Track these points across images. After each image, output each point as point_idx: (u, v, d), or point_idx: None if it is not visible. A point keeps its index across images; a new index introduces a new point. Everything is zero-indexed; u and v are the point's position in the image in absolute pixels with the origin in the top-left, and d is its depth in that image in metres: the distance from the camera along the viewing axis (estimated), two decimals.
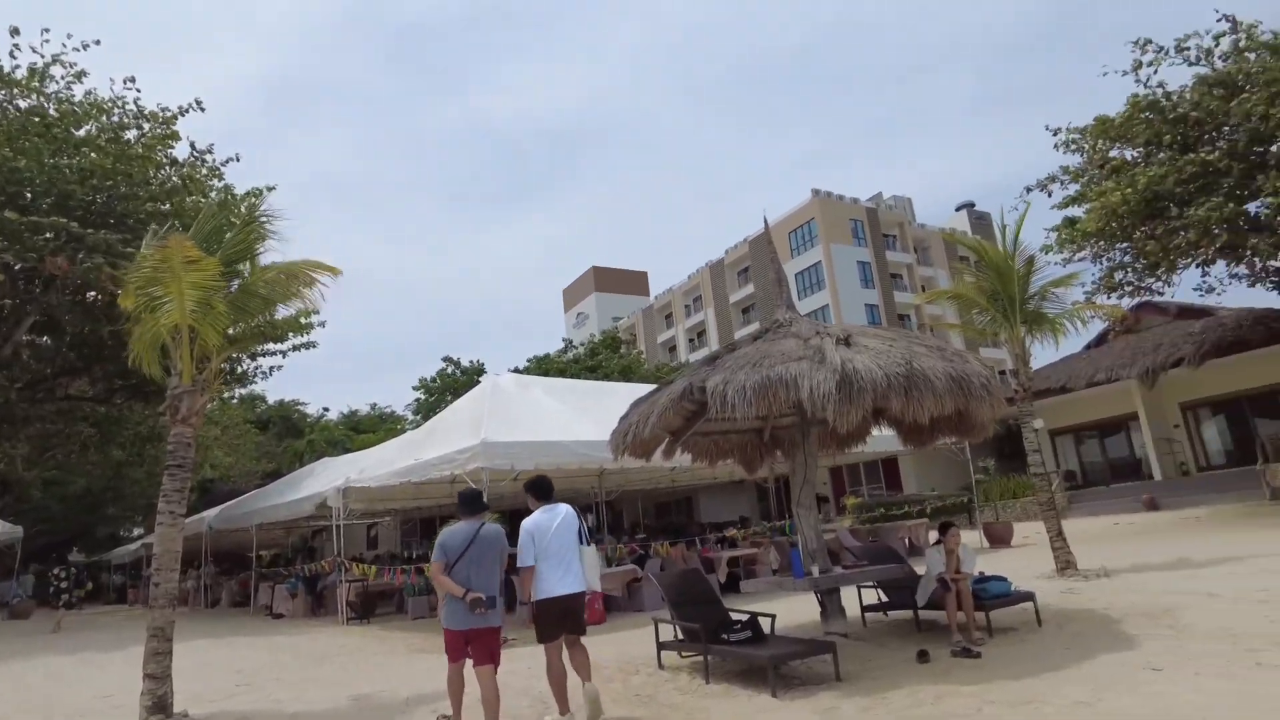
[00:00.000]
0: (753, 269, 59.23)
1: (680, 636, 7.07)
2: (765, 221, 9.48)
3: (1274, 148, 15.53)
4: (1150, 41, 17.60)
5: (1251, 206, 15.92)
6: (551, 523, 5.35)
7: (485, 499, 5.71)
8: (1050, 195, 19.77)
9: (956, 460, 18.79)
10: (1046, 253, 19.45)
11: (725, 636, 6.54)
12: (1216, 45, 17.04)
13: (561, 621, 5.29)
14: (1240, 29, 16.72)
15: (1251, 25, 16.64)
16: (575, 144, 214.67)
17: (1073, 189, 19.19)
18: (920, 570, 7.55)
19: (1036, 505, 12.31)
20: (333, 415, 45.94)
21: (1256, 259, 17.54)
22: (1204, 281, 19.73)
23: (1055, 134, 19.19)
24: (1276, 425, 21.53)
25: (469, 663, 5.13)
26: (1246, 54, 16.44)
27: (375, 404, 47.94)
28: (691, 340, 65.76)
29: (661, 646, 7.20)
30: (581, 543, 5.42)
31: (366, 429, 41.46)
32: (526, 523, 5.39)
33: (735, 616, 6.96)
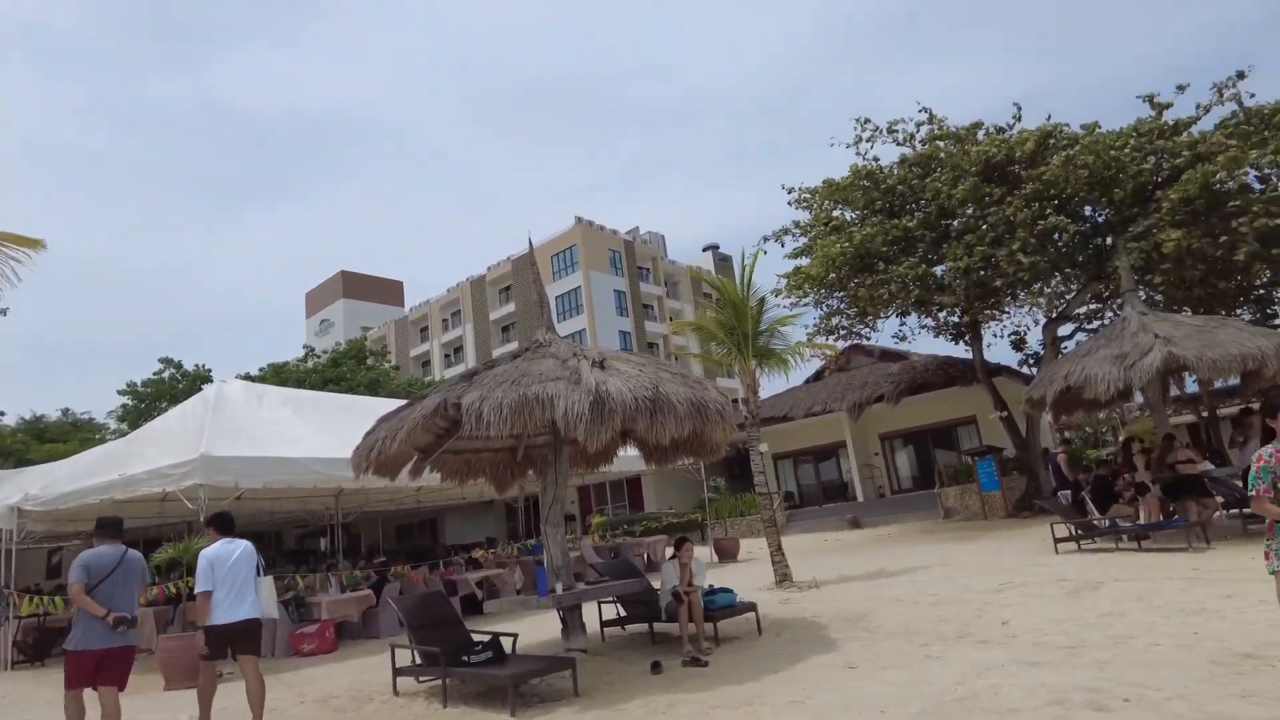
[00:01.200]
0: (515, 288, 59.26)
1: (419, 661, 6.84)
2: (530, 243, 9.58)
3: (955, 222, 18.48)
4: (869, 120, 20.27)
5: (938, 269, 18.79)
6: (231, 554, 5.88)
7: (124, 524, 5.88)
8: (783, 245, 21.92)
9: (692, 480, 20.06)
10: (777, 296, 21.51)
11: (466, 658, 6.43)
12: (918, 131, 20.03)
13: (231, 644, 5.80)
14: (934, 120, 19.80)
15: (942, 118, 19.78)
16: (331, 141, 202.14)
17: (801, 241, 21.45)
18: (658, 585, 7.95)
19: (760, 522, 13.45)
20: (9, 420, 38.77)
21: (941, 314, 20.71)
22: (901, 329, 22.89)
23: (790, 192, 21.41)
24: (950, 455, 25.44)
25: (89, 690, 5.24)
26: (938, 141, 19.50)
27: (68, 409, 41.16)
28: (448, 356, 64.14)
29: (398, 673, 6.91)
30: (258, 575, 6.00)
31: (55, 437, 35.43)
32: (207, 552, 5.88)
33: (477, 638, 6.87)
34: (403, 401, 8.83)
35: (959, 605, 8.17)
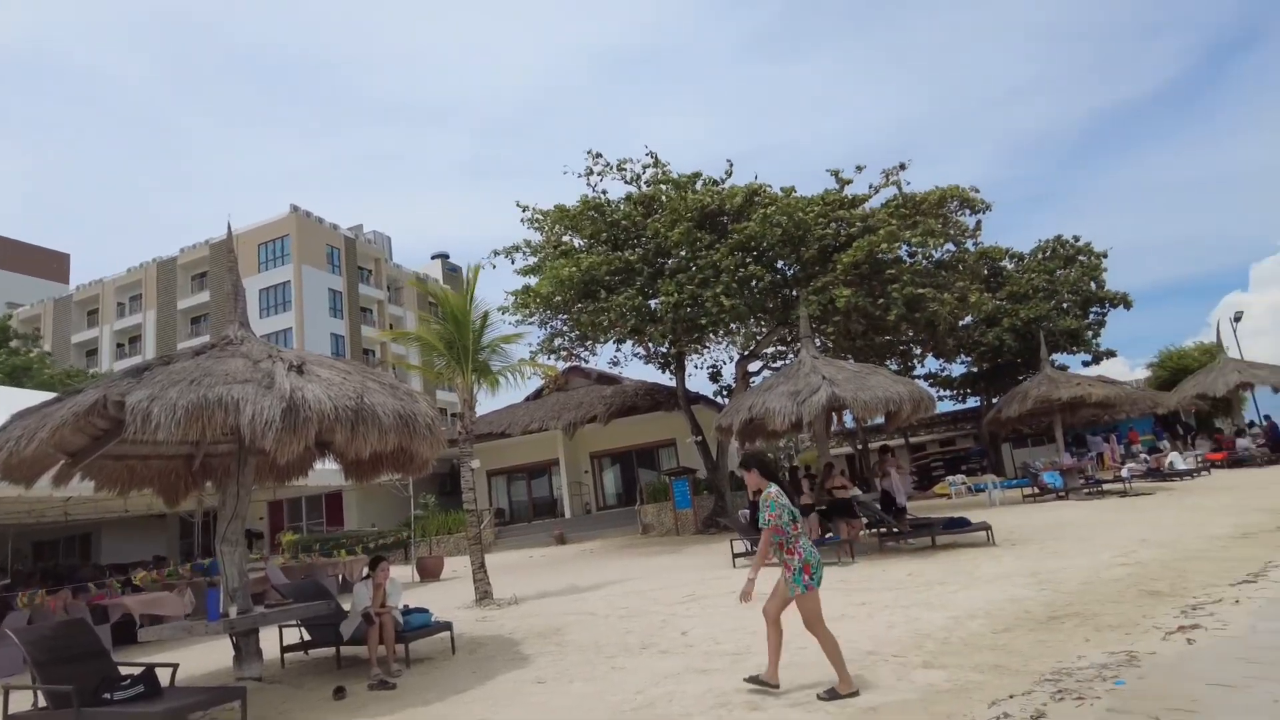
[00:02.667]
0: (211, 275, 53.18)
1: (43, 705, 5.81)
2: (229, 227, 8.69)
3: (670, 261, 19.93)
4: (601, 155, 21.28)
5: (653, 302, 20.10)
6: None
7: None
8: (513, 261, 22.14)
9: (400, 496, 19.32)
10: (504, 313, 21.65)
11: (108, 696, 5.58)
12: (644, 172, 21.37)
13: None
14: (659, 165, 21.28)
15: (666, 163, 21.31)
16: None
17: (532, 260, 21.81)
18: (349, 606, 7.54)
19: (467, 540, 13.32)
20: None
21: (651, 343, 22.14)
22: (617, 355, 24.09)
23: (524, 210, 21.71)
24: (651, 474, 27.14)
25: None
26: (661, 185, 20.98)
27: None
28: (121, 345, 55.65)
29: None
30: None
31: None
32: None
33: (126, 671, 6.00)
34: (53, 395, 7.52)
35: (646, 617, 8.71)
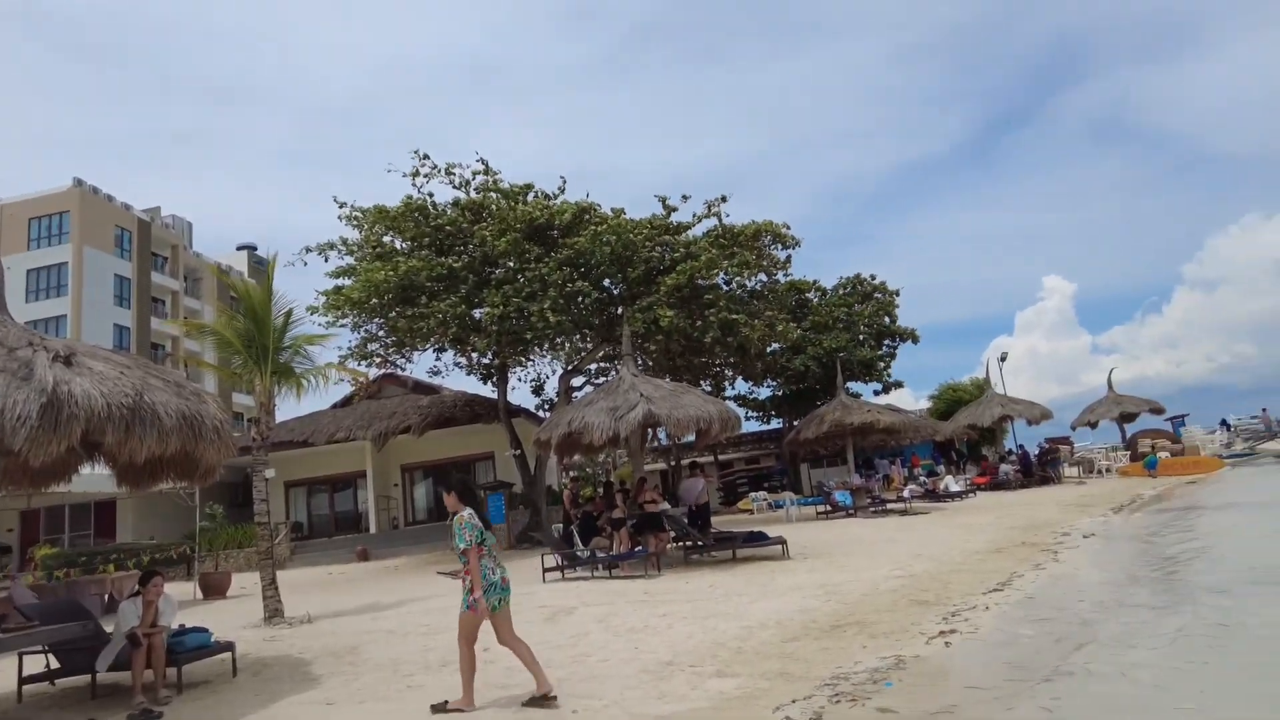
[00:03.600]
0: None
1: None
2: None
3: (497, 271, 19.70)
4: (428, 157, 20.66)
5: (477, 312, 19.74)
6: None
7: None
8: (326, 260, 20.97)
9: (184, 506, 17.62)
10: (313, 313, 20.42)
11: None
12: (473, 179, 21.00)
13: None
14: (490, 173, 21.00)
15: (497, 172, 21.07)
16: None
17: (347, 260, 20.74)
18: (112, 628, 6.76)
19: (258, 555, 12.37)
20: None
21: (474, 354, 21.72)
22: (437, 364, 23.39)
23: (342, 206, 20.64)
24: None
25: None
26: (491, 193, 20.71)
27: None
28: None
29: None
30: None
31: None
32: None
33: None
34: None
35: (449, 634, 8.45)
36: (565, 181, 21.68)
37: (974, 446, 33.46)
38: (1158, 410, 34.06)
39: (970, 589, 8.83)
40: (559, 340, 21.91)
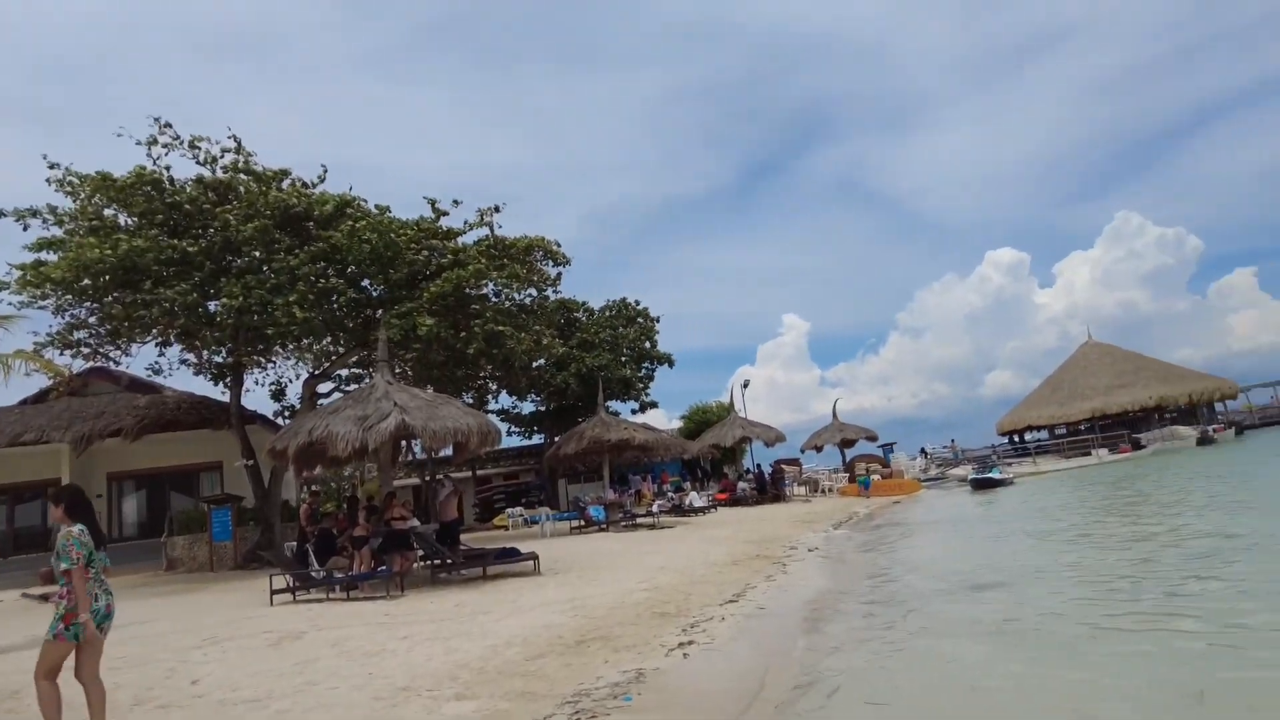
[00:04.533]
0: None
1: None
2: None
3: (239, 259, 17.90)
4: (170, 125, 18.33)
5: (212, 303, 17.76)
6: None
7: None
8: (26, 229, 17.86)
9: None
10: (3, 290, 17.29)
11: None
12: (222, 156, 18.92)
13: None
14: (242, 152, 19.06)
15: (251, 153, 19.17)
16: None
17: (55, 231, 17.80)
18: None
19: None
20: None
21: (205, 350, 19.52)
22: (159, 361, 20.72)
23: (53, 168, 17.70)
24: (187, 501, 23.64)
25: None
26: (241, 174, 18.80)
27: None
28: None
29: None
30: None
31: None
32: None
33: None
34: None
35: (149, 667, 7.42)
36: (326, 171, 20.29)
37: (717, 465, 35.73)
38: (872, 438, 38.61)
39: (709, 600, 9.31)
40: (306, 340, 20.33)
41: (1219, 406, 49.93)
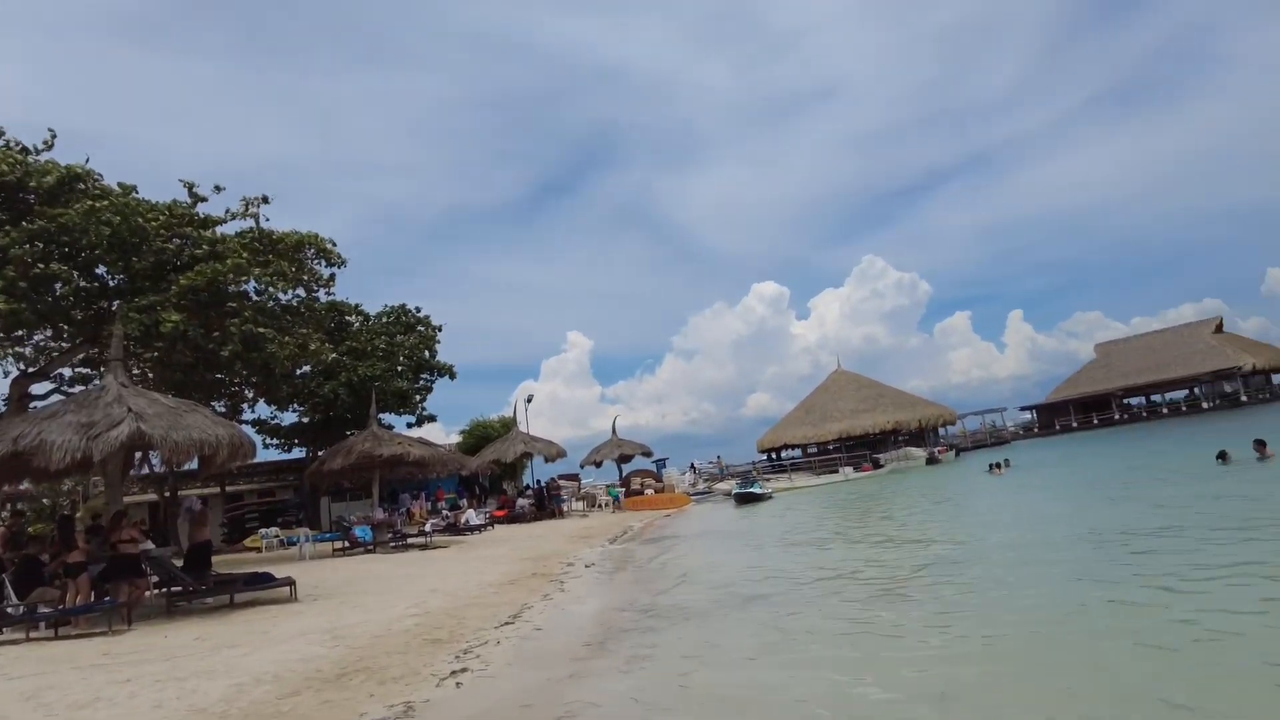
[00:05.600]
0: None
1: None
2: None
3: None
4: None
5: None
6: None
7: None
8: None
9: None
10: None
11: None
12: None
13: None
14: None
15: None
16: None
17: None
18: None
19: None
20: None
21: None
22: None
23: None
24: None
25: None
26: None
27: None
28: None
29: None
30: None
31: None
32: None
33: None
34: None
35: None
36: (54, 136, 17.52)
37: (496, 481, 35.11)
38: (648, 453, 39.85)
39: (484, 623, 8.97)
40: (17, 333, 17.34)
41: (942, 431, 57.20)
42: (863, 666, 6.28)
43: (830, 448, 52.56)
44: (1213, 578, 7.80)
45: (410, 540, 20.34)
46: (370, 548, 19.50)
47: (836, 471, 44.62)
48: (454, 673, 6.72)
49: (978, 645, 6.57)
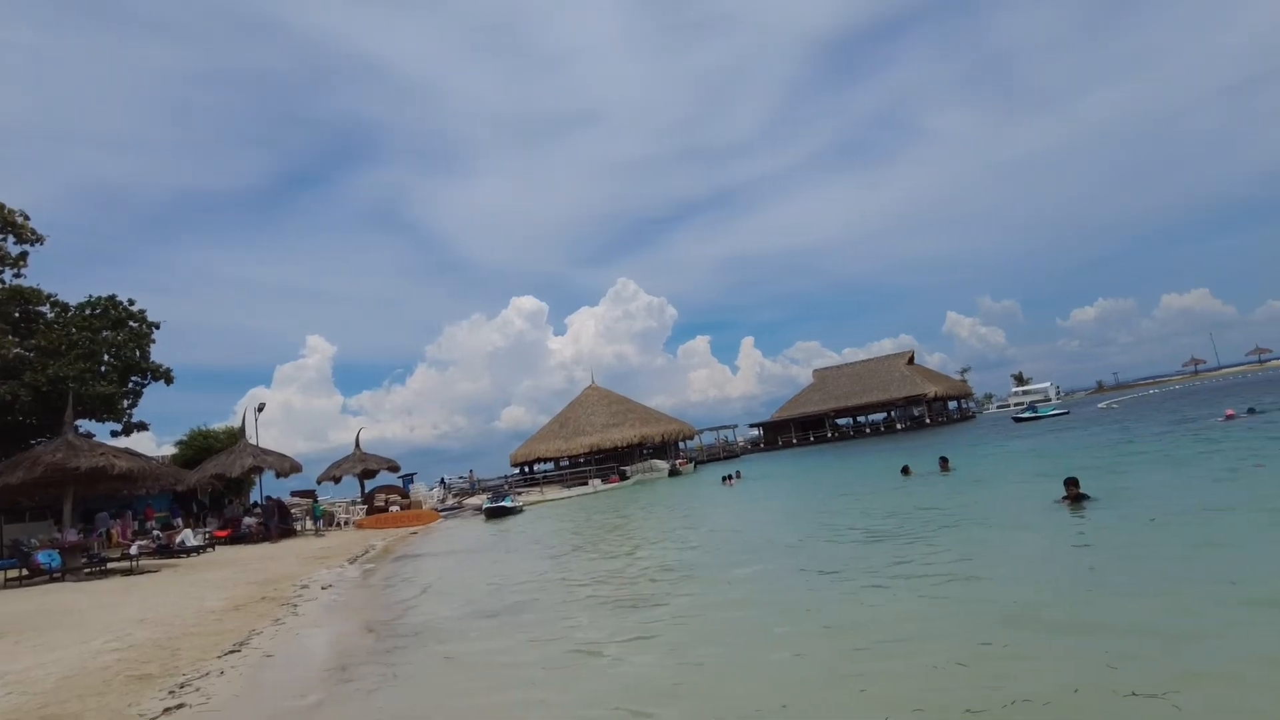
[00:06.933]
0: None
1: None
2: None
3: None
4: None
5: None
6: None
7: None
8: None
9: None
10: None
11: None
12: None
13: None
14: None
15: None
16: None
17: None
18: None
19: None
20: None
21: None
22: None
23: None
24: None
25: None
26: None
27: None
28: None
29: None
30: None
31: None
32: None
33: None
34: None
35: None
36: None
37: (217, 497, 31.75)
38: (394, 468, 38.10)
39: (204, 653, 8.11)
40: None
41: (682, 444, 60.82)
42: (593, 681, 6.54)
43: (581, 461, 53.79)
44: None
45: (111, 565, 17.75)
46: (57, 575, 16.74)
47: (586, 484, 45.75)
48: (168, 710, 6.02)
49: (700, 641, 7.11)
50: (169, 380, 29.78)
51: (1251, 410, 27.06)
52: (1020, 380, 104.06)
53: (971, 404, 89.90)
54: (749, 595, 9.17)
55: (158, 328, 29.46)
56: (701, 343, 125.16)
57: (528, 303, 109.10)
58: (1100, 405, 60.64)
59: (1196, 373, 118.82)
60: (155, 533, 22.94)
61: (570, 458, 55.33)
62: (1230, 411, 26.52)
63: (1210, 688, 4.56)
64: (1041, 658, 5.40)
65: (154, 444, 39.65)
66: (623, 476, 47.23)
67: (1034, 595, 7.36)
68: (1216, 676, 4.71)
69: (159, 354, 29.66)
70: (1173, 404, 45.39)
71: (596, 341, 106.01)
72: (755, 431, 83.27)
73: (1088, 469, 16.22)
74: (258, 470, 30.77)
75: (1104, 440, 26.36)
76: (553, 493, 44.19)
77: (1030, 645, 5.72)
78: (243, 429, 32.41)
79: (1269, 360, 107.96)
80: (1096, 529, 10.24)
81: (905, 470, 21.39)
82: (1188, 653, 5.19)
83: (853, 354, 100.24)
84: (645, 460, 51.14)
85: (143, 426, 29.79)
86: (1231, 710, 4.24)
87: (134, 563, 17.99)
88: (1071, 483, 12.10)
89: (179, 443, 35.29)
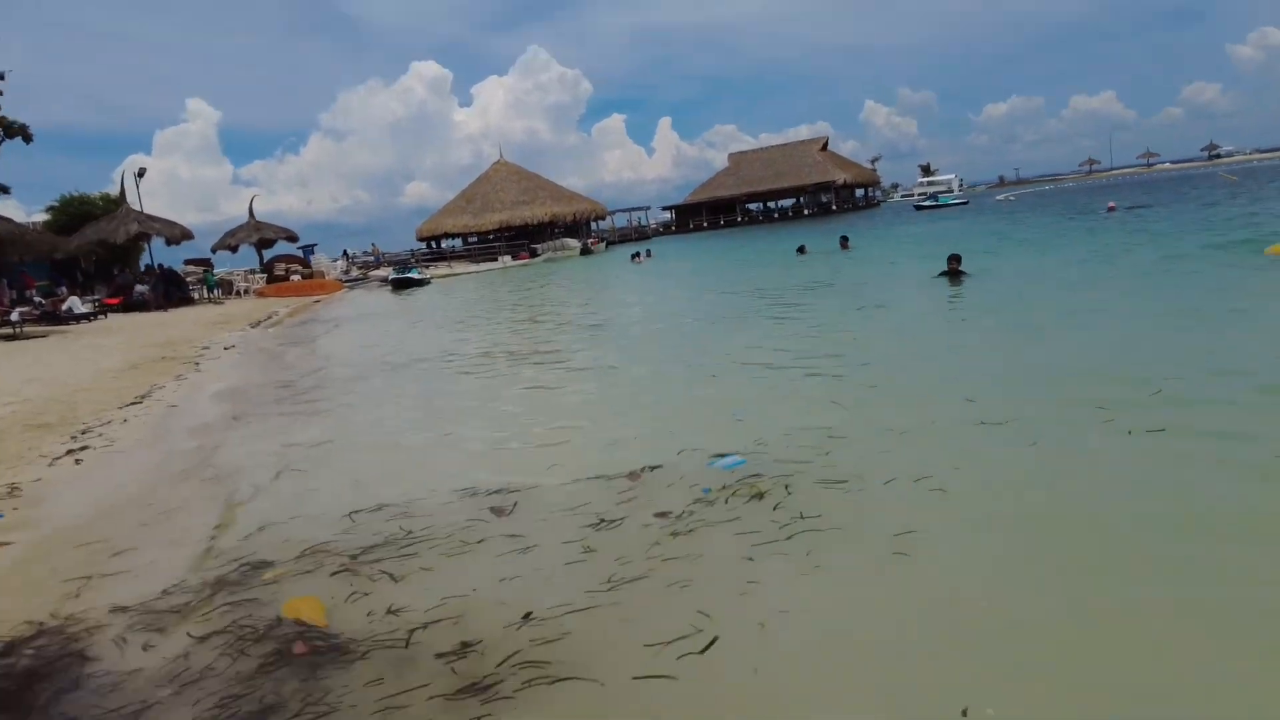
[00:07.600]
0: None
1: None
2: None
3: None
4: None
5: None
6: None
7: None
8: None
9: None
10: None
11: None
12: None
13: None
14: None
15: None
16: None
17: None
18: None
19: None
20: None
21: None
22: None
23: None
24: None
25: None
26: None
27: None
28: None
29: None
30: None
31: None
32: None
33: None
34: None
35: None
36: None
37: (104, 266, 30.15)
38: (292, 238, 36.79)
39: (104, 406, 8.18)
40: None
41: (594, 224, 60.36)
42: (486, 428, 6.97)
43: (490, 237, 52.98)
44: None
45: None
46: None
47: (496, 260, 45.45)
48: (71, 452, 6.17)
49: (608, 386, 7.60)
50: (27, 138, 27.05)
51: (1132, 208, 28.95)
52: (927, 171, 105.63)
53: (878, 192, 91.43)
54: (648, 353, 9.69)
55: (5, 77, 26.23)
56: (617, 121, 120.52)
57: (430, 68, 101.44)
58: (999, 198, 62.68)
59: (1090, 173, 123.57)
60: (38, 299, 21.91)
61: (479, 234, 54.36)
62: (1112, 205, 28.49)
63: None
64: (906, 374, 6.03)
65: (21, 210, 36.65)
66: (533, 254, 47.03)
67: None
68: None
69: (11, 109, 26.64)
70: (1066, 199, 47.49)
71: (506, 115, 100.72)
72: (667, 214, 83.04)
73: (971, 251, 17.16)
74: (145, 237, 29.19)
75: (993, 228, 27.72)
76: (461, 268, 43.82)
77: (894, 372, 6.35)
78: (123, 195, 30.21)
79: (1156, 164, 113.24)
80: (967, 298, 11.08)
81: (801, 249, 22.10)
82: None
83: (769, 139, 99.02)
84: (557, 239, 50.77)
85: (5, 189, 27.46)
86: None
87: (17, 328, 17.30)
88: (954, 259, 12.83)
89: (50, 208, 32.63)
